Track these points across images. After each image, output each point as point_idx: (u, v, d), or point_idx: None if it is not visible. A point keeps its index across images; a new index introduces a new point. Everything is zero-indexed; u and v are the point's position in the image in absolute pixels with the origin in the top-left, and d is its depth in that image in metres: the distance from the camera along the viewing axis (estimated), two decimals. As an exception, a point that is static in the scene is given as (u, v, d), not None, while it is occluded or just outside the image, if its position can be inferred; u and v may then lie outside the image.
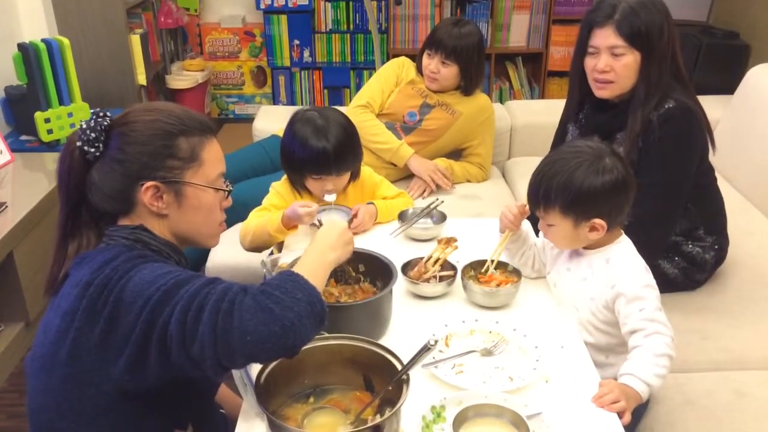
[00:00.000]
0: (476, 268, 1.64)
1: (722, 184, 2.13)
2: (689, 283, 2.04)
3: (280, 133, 2.04)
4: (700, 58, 3.58)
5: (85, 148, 1.20)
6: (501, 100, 4.53)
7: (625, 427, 1.25)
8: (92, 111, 1.22)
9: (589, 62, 1.91)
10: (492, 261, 1.63)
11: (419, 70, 2.71)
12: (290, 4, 4.38)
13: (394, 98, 2.70)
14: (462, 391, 1.27)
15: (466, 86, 2.68)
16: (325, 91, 4.69)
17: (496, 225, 1.68)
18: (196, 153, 1.24)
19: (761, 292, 2.07)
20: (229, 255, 2.32)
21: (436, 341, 1.22)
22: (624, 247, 1.54)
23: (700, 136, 1.90)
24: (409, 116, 2.68)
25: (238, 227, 1.97)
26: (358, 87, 4.26)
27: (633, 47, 1.83)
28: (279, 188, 1.98)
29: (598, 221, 1.46)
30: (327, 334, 1.24)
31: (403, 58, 2.80)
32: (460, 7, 4.40)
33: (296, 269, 1.15)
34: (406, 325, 1.50)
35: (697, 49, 3.59)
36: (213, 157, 1.27)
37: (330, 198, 1.88)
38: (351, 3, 4.41)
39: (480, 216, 2.41)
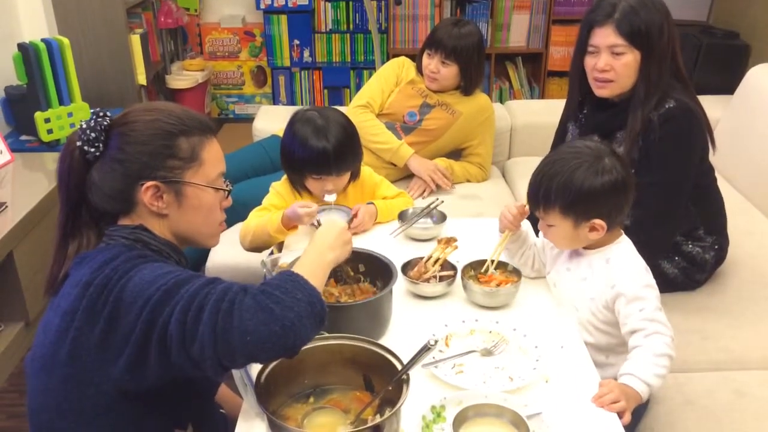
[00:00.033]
0: (476, 268, 1.64)
1: (722, 184, 2.13)
2: (689, 283, 2.04)
3: (280, 133, 2.04)
4: (700, 58, 3.58)
5: (85, 147, 1.20)
6: (501, 100, 4.53)
7: (625, 427, 1.25)
8: (92, 111, 1.22)
9: (589, 61, 1.91)
10: (492, 261, 1.63)
11: (419, 70, 2.71)
12: (290, 4, 4.38)
13: (394, 98, 2.70)
14: (462, 391, 1.27)
15: (466, 86, 2.67)
16: (325, 91, 4.69)
17: (496, 225, 1.68)
18: (196, 153, 1.24)
19: (761, 292, 2.07)
20: (229, 255, 2.32)
21: (436, 341, 1.22)
22: (624, 247, 1.54)
23: (700, 136, 1.90)
24: (409, 116, 2.67)
25: (238, 227, 1.97)
26: (358, 87, 4.27)
27: (633, 46, 1.83)
28: (279, 188, 1.98)
29: (597, 221, 1.46)
30: (327, 334, 1.24)
31: (402, 58, 2.80)
32: (460, 7, 4.40)
33: (295, 269, 1.15)
34: (406, 325, 1.50)
35: (697, 49, 3.59)
36: (213, 157, 1.27)
37: (330, 198, 1.88)
38: (351, 3, 4.41)
39: (480, 216, 2.41)
